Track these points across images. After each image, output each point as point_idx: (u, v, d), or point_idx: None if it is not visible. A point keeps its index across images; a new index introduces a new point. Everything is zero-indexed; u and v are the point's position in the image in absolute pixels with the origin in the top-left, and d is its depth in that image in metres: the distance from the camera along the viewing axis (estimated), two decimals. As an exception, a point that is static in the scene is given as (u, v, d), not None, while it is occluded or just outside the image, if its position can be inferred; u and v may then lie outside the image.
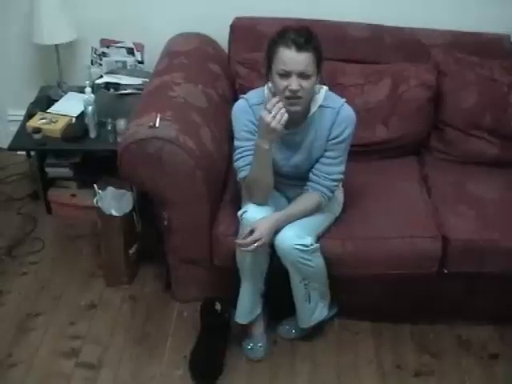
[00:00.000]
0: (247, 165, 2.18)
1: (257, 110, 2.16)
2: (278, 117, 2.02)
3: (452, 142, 2.71)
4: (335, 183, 2.23)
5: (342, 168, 2.23)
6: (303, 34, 2.00)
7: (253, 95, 2.22)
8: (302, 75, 2.00)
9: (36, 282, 2.68)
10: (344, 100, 2.20)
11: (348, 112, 2.18)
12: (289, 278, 2.25)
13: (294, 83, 2.00)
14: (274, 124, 2.02)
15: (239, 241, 2.14)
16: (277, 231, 2.15)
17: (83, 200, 2.91)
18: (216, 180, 2.41)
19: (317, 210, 2.24)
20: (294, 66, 1.99)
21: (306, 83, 2.02)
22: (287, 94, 2.02)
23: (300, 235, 2.14)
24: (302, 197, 2.24)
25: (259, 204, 2.18)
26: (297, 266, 2.17)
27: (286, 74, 2.01)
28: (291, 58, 1.98)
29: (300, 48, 1.98)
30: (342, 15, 2.82)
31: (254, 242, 2.09)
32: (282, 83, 2.02)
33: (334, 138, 2.17)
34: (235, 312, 2.36)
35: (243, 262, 2.23)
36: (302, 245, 2.12)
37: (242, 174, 2.21)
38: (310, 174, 2.23)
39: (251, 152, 2.16)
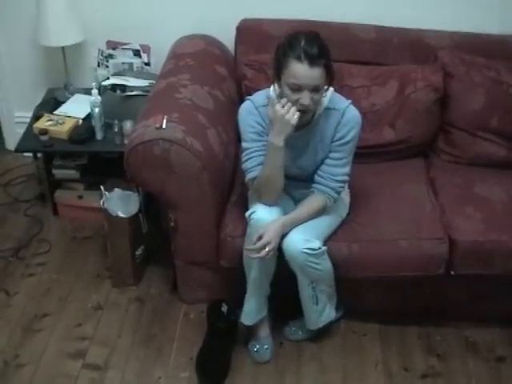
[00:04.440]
0: (256, 166, 2.17)
1: (263, 112, 2.17)
2: (292, 110, 2.01)
3: (459, 144, 2.70)
4: (340, 184, 2.22)
5: (346, 169, 2.22)
6: (315, 45, 1.96)
7: (258, 97, 2.22)
8: (314, 89, 1.99)
9: (43, 283, 2.69)
10: (350, 101, 2.19)
11: (353, 113, 2.17)
12: (294, 280, 2.24)
13: (305, 98, 1.99)
14: (288, 116, 2.01)
15: (250, 248, 2.13)
16: (284, 235, 2.14)
17: (90, 201, 2.91)
18: (222, 181, 2.41)
19: (323, 211, 2.22)
20: (306, 81, 1.97)
21: (316, 96, 2.02)
22: (298, 107, 2.02)
23: (308, 239, 2.12)
24: (307, 199, 2.23)
25: (268, 204, 2.18)
26: (305, 270, 2.16)
27: (297, 88, 1.99)
28: (304, 72, 1.95)
29: (313, 63, 1.94)
30: (348, 17, 2.81)
31: (264, 246, 2.08)
32: (293, 96, 2.01)
33: (338, 140, 2.17)
34: (241, 314, 2.36)
35: (250, 264, 2.23)
36: (310, 248, 2.11)
37: (250, 176, 2.20)
38: (315, 176, 2.22)
39: (259, 153, 2.16)
